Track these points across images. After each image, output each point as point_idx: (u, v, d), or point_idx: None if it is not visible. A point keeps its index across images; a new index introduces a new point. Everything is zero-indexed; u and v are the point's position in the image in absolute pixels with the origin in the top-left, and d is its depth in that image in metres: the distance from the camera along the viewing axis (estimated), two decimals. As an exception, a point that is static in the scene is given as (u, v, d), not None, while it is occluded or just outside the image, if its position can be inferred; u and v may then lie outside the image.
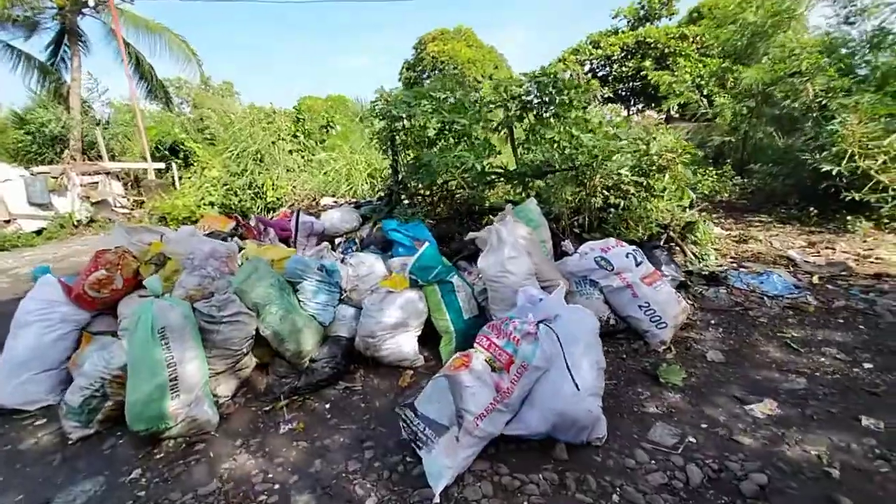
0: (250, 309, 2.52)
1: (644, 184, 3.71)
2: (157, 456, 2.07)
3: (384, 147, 4.34)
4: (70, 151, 13.00)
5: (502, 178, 3.94)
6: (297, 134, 8.31)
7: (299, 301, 2.74)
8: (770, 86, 6.80)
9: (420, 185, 4.02)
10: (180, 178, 15.42)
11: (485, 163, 3.57)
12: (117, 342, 2.42)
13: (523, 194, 4.00)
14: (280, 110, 8.30)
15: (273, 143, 7.55)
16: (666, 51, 17.11)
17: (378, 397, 2.42)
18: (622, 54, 18.40)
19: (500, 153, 3.88)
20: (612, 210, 3.82)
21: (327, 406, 2.38)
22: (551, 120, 3.76)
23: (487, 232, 2.70)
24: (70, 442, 2.22)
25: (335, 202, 5.66)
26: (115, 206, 13.16)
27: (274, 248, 3.06)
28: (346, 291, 2.87)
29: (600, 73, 19.35)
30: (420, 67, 23.64)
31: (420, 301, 2.75)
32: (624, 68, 18.18)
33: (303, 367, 2.62)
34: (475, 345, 1.91)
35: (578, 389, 1.80)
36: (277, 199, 7.11)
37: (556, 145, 3.70)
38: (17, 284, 6.18)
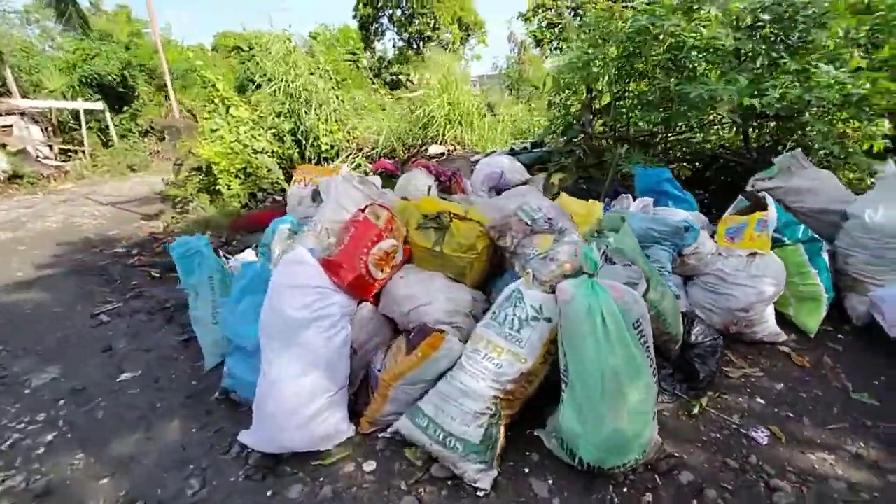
0: (632, 285, 1.87)
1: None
2: None
3: (569, 83, 3.58)
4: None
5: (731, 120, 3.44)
6: (328, 68, 6.91)
7: (651, 271, 2.13)
8: None
9: (648, 124, 3.37)
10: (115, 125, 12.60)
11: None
12: (492, 344, 1.65)
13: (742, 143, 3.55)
14: (309, 39, 6.80)
15: (310, 76, 6.16)
16: None
17: (828, 391, 1.92)
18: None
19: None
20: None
21: (761, 401, 1.88)
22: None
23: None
24: (482, 493, 1.49)
25: (448, 150, 4.74)
26: (39, 157, 10.44)
27: (590, 204, 2.33)
28: (685, 256, 2.29)
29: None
30: (380, 3, 21.14)
31: (781, 263, 2.28)
32: None
33: (674, 353, 2.06)
34: None
35: None
36: (331, 146, 5.91)
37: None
38: (8, 258, 4.45)
